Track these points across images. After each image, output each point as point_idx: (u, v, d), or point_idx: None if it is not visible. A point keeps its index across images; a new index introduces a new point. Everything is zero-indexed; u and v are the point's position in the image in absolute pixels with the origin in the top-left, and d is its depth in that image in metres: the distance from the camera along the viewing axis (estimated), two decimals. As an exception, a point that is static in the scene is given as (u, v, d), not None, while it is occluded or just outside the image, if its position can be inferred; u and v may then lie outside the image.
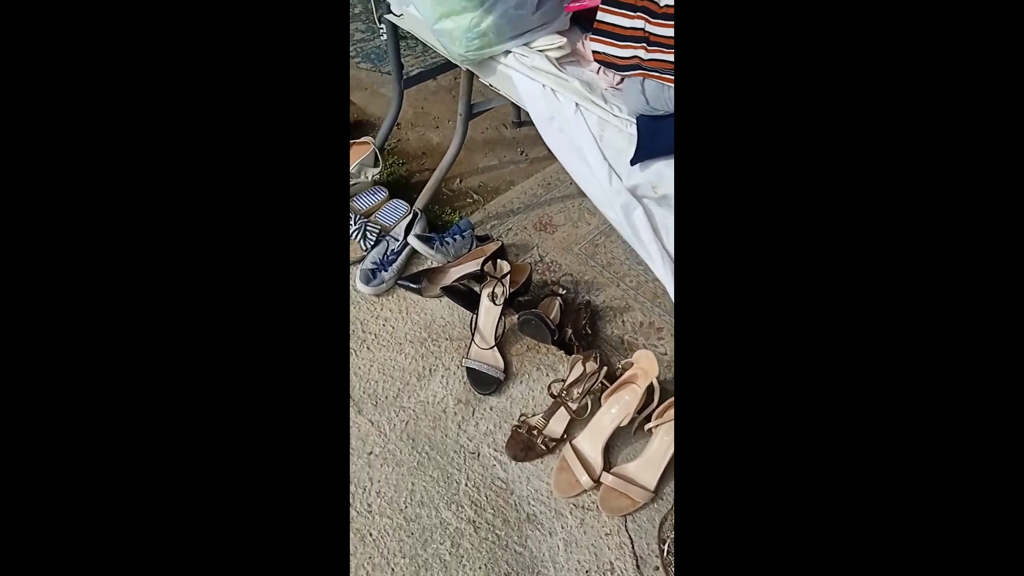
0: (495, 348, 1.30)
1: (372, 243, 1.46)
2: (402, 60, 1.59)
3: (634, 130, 1.08)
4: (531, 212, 1.69)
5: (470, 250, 1.49)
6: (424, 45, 1.40)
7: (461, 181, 1.77)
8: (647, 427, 1.17)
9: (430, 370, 1.30)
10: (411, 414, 1.24)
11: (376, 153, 1.60)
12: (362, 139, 1.64)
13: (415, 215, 1.51)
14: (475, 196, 1.74)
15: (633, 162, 1.07)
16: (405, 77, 1.61)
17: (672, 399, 1.18)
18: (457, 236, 1.48)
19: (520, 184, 1.78)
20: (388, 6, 1.33)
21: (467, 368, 1.29)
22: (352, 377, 1.28)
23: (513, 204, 1.72)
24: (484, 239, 1.54)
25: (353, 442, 1.19)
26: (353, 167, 1.54)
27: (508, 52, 1.16)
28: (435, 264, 1.47)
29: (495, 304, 1.32)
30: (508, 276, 1.34)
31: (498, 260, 1.39)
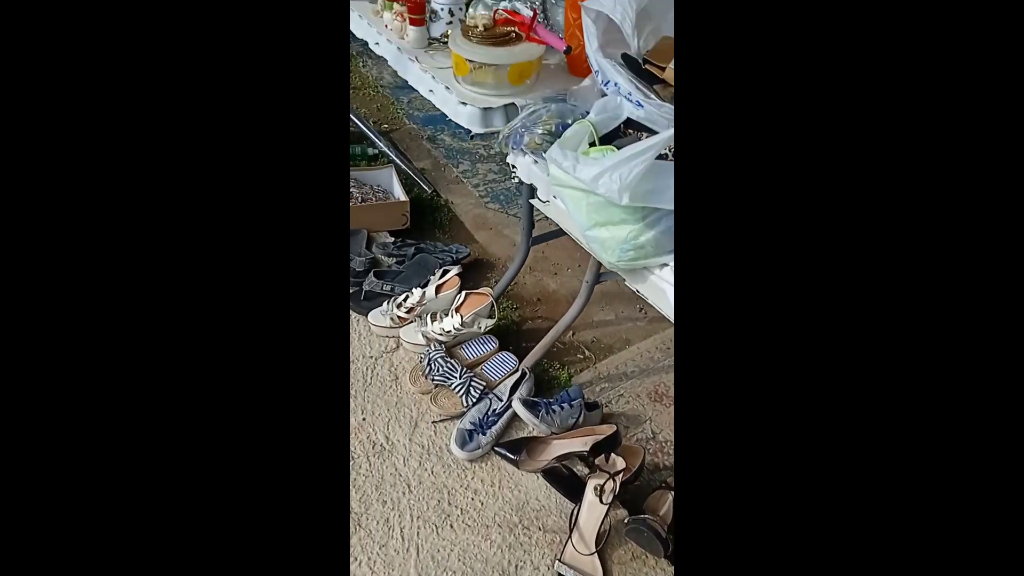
0: (595, 555, 1.12)
1: (475, 400, 1.36)
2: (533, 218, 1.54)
3: None
4: (646, 379, 1.54)
5: (577, 422, 1.35)
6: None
7: (574, 334, 1.66)
8: None
9: (516, 567, 1.14)
10: (489, 624, 1.06)
11: (493, 304, 1.54)
12: (480, 289, 1.59)
13: (523, 375, 1.40)
14: (587, 352, 1.62)
15: None
16: (534, 236, 1.56)
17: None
18: (565, 404, 1.35)
19: (636, 344, 1.64)
20: (532, 190, 1.27)
21: (559, 574, 1.11)
22: (430, 561, 1.14)
23: (627, 367, 1.57)
24: (593, 407, 1.40)
25: (419, 654, 1.03)
26: (468, 317, 1.47)
27: (665, 264, 1.01)
28: (538, 433, 1.33)
29: (602, 502, 1.15)
30: (621, 473, 1.18)
31: (611, 454, 1.23)
